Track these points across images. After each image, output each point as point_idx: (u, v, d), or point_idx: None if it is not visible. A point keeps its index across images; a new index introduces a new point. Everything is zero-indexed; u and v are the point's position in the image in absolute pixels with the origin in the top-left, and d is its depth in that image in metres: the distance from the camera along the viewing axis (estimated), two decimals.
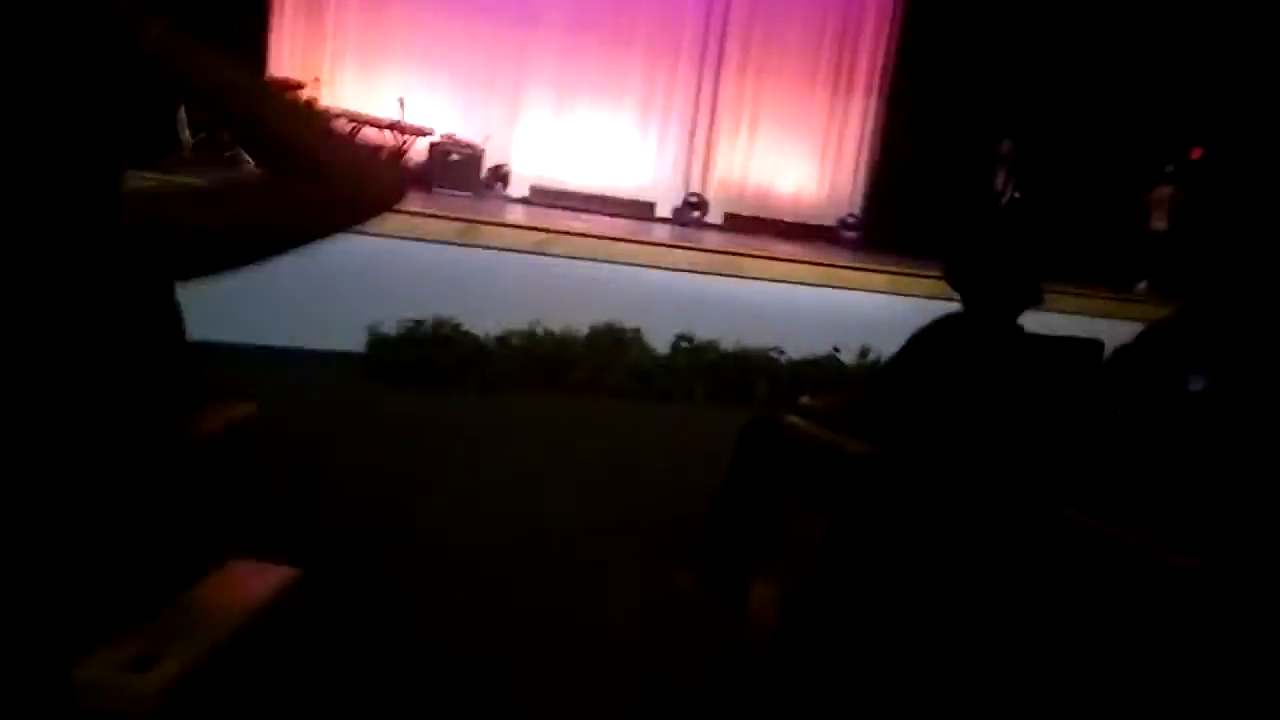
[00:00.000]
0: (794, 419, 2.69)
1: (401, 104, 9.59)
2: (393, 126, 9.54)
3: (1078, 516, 2.07)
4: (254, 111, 0.93)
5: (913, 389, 2.31)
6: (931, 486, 2.24)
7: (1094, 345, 2.42)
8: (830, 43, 11.92)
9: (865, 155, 12.11)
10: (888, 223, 10.79)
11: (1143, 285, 9.97)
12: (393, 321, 5.43)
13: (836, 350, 6.35)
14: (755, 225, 11.05)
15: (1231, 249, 8.66)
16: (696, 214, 11.00)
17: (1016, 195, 10.41)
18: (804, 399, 2.87)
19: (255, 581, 1.91)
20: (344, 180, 0.93)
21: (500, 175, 10.42)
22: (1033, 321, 2.46)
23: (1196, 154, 10.61)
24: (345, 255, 5.47)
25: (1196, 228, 9.64)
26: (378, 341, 5.47)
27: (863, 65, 12.05)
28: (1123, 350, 2.31)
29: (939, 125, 10.77)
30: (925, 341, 2.40)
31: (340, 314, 5.28)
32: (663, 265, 6.51)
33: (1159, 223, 10.31)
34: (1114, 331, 2.63)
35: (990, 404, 2.20)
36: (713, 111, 11.52)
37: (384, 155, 0.89)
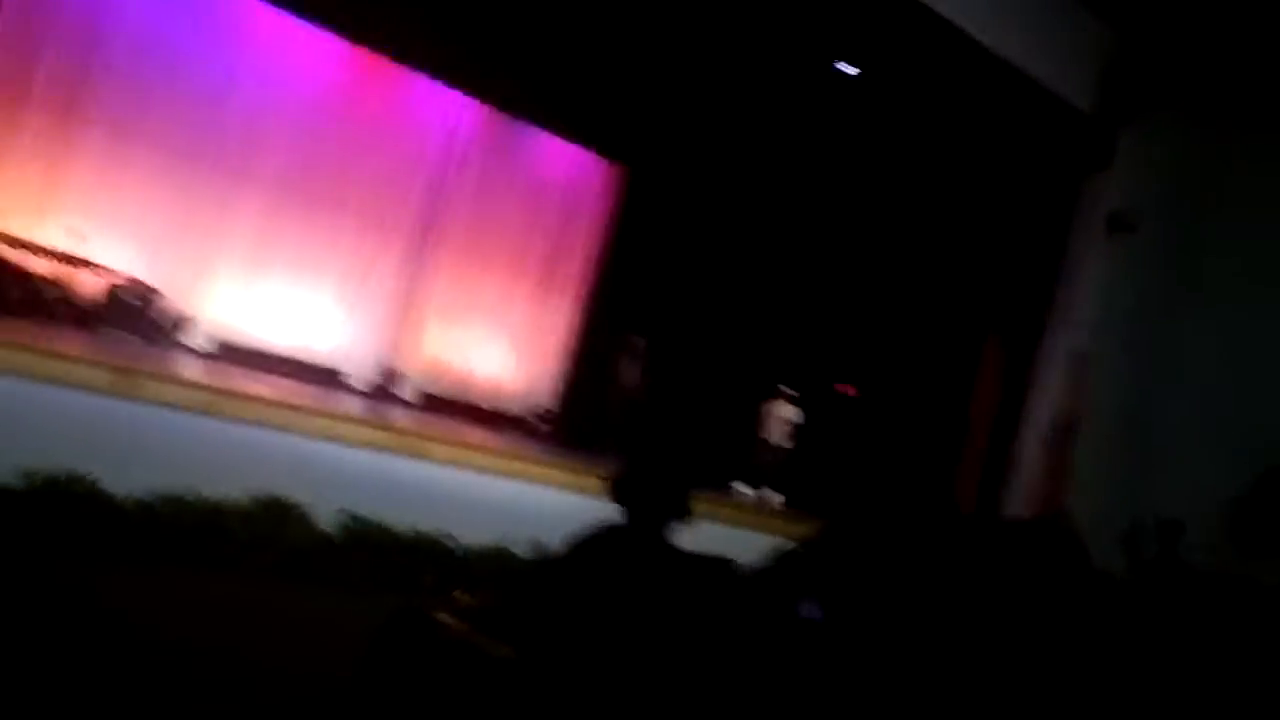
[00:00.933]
0: (443, 614, 2.60)
1: (78, 235, 8.86)
2: (66, 259, 8.77)
3: None
4: None
5: (560, 595, 2.33)
6: (566, 693, 2.22)
7: (726, 563, 2.58)
8: (544, 242, 12.50)
9: (562, 352, 12.56)
10: (578, 419, 11.18)
11: (750, 492, 10.57)
12: (19, 473, 4.78)
13: (510, 543, 6.31)
14: (452, 408, 11.03)
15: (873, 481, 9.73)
16: (393, 390, 10.82)
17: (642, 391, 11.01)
18: (458, 593, 2.79)
19: None
20: None
21: (180, 324, 9.74)
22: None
23: (851, 391, 11.97)
24: None
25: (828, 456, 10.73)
26: None
27: (572, 271, 12.66)
28: (753, 572, 2.47)
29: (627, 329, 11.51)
30: (580, 548, 2.45)
31: None
32: (343, 439, 6.27)
33: (778, 438, 11.01)
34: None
35: (627, 617, 2.25)
36: (417, 292, 11.57)
37: None
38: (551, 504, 6.80)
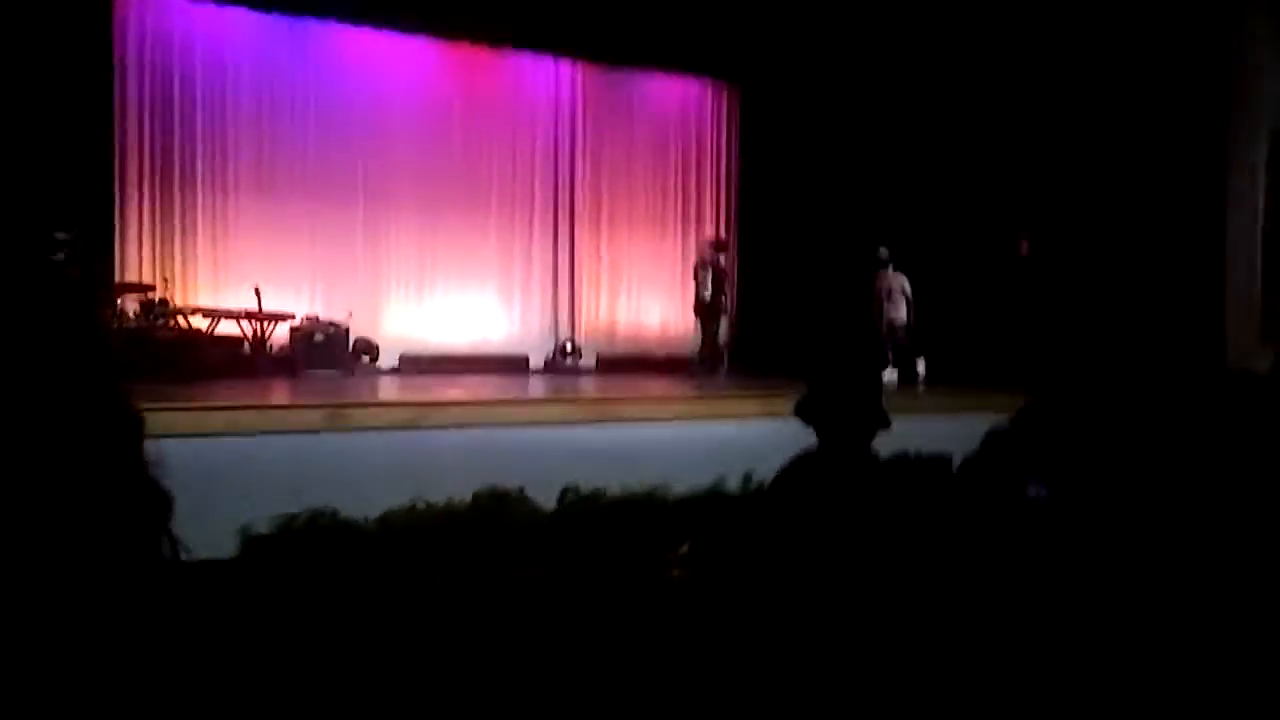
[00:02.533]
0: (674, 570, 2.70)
1: (258, 293, 9.52)
2: (251, 316, 9.45)
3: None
4: None
5: (775, 530, 2.35)
6: (802, 628, 2.26)
7: (942, 462, 2.52)
8: (675, 182, 12.51)
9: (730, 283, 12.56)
10: (755, 345, 11.17)
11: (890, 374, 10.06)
12: (265, 521, 5.24)
13: (720, 480, 6.40)
14: (628, 364, 11.25)
15: (1068, 344, 9.17)
16: (569, 361, 11.14)
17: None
18: (683, 549, 2.88)
19: None
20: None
21: (368, 349, 10.36)
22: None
23: (1024, 249, 11.36)
24: (206, 459, 5.32)
25: (1030, 322, 10.11)
26: (252, 543, 5.25)
27: (709, 200, 12.67)
28: (967, 463, 2.42)
29: (787, 249, 11.33)
30: (784, 480, 2.46)
31: (205, 521, 5.06)
32: (540, 421, 6.52)
33: (895, 312, 10.44)
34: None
35: (854, 539, 2.26)
36: (572, 261, 11.83)
37: None
38: (753, 436, 6.85)
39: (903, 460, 2.52)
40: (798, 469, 2.47)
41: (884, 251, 10.60)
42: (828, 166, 11.50)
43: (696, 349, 10.64)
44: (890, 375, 10.02)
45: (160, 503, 1.05)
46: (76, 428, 0.99)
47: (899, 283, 10.42)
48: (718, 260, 10.58)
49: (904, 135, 11.11)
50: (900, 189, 11.16)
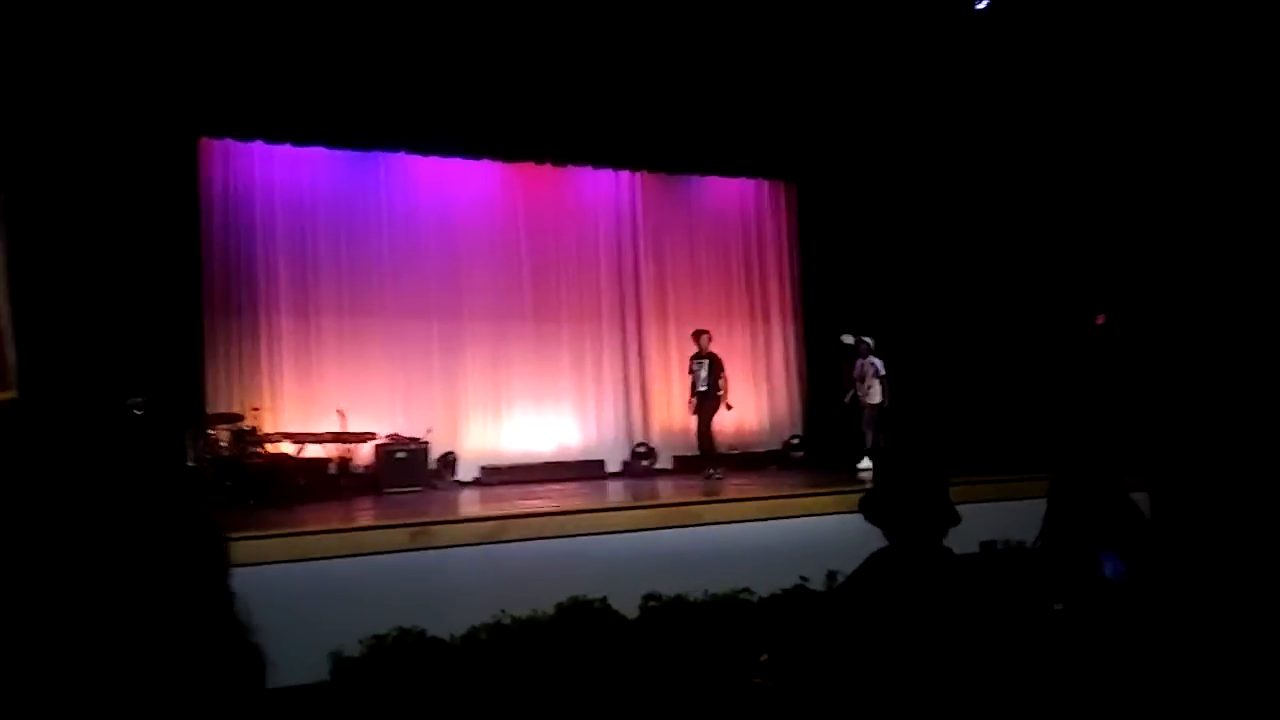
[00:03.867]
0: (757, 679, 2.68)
1: (341, 415, 9.82)
2: (335, 438, 9.73)
3: None
4: None
5: (860, 644, 2.34)
6: None
7: (1018, 549, 2.50)
8: (738, 277, 12.68)
9: (795, 376, 12.61)
10: (829, 441, 11.11)
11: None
12: (355, 643, 5.33)
13: (804, 580, 6.33)
14: (704, 463, 11.23)
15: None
16: (646, 463, 11.18)
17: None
18: (764, 658, 2.86)
19: None
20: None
21: (449, 463, 10.57)
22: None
23: (1100, 320, 11.18)
24: (297, 584, 5.45)
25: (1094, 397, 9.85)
26: (343, 665, 5.34)
27: (774, 293, 12.80)
28: (1040, 548, 2.39)
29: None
30: (861, 587, 2.46)
31: (297, 646, 5.17)
32: (619, 528, 6.55)
33: (869, 397, 10.24)
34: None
35: (934, 641, 2.24)
36: (641, 363, 11.97)
37: None
38: (831, 530, 6.77)
39: (982, 552, 2.49)
40: (872, 570, 2.47)
41: (848, 338, 10.66)
42: (887, 256, 11.56)
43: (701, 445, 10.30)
44: (867, 464, 9.83)
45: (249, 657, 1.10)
46: (165, 563, 1.02)
47: (873, 367, 10.28)
48: (707, 350, 10.32)
49: (954, 223, 11.16)
50: (952, 278, 11.16)
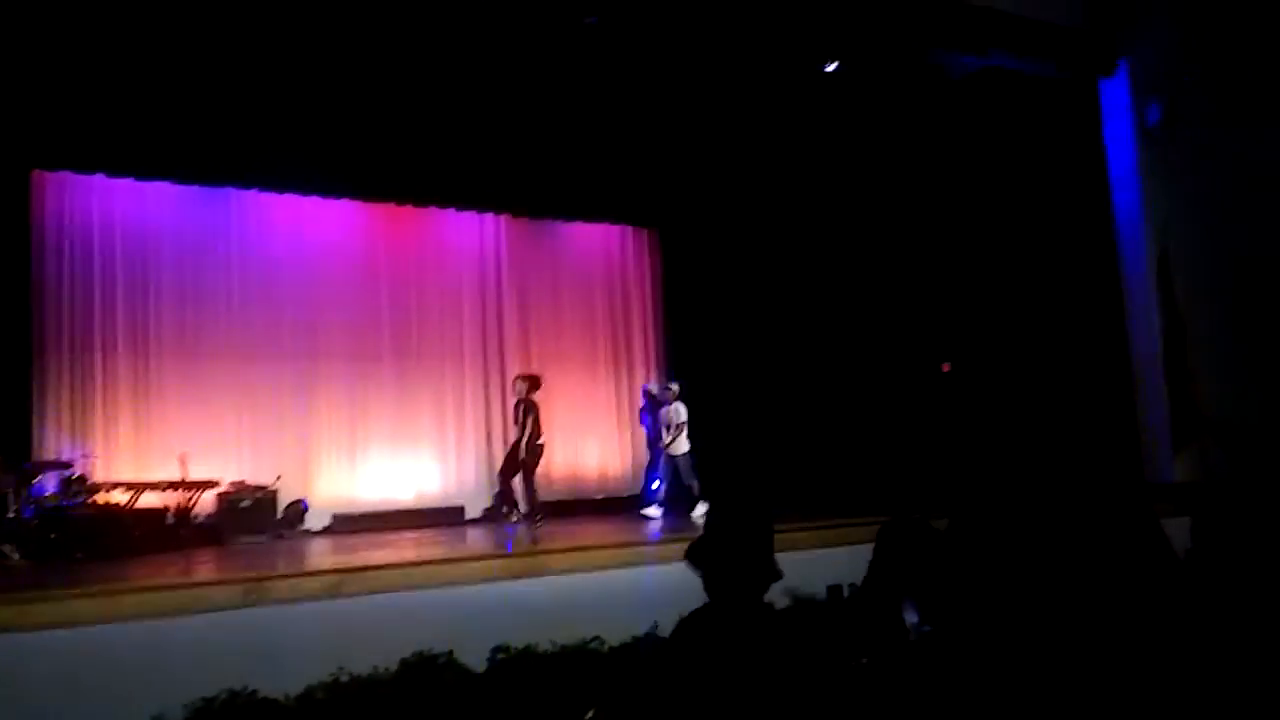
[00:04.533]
0: None
1: (182, 461, 9.35)
2: (175, 485, 9.25)
3: None
4: None
5: (680, 702, 2.34)
6: None
7: (833, 598, 2.56)
8: (603, 322, 12.75)
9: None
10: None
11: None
12: (178, 708, 5.03)
13: (655, 626, 6.32)
14: (569, 508, 11.17)
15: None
16: (505, 509, 11.02)
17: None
18: (589, 716, 2.84)
19: None
20: None
21: (298, 512, 10.16)
22: None
23: (945, 368, 11.70)
24: (116, 647, 5.12)
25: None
26: None
27: (637, 337, 12.91)
28: (853, 596, 2.46)
29: (711, 389, 11.55)
30: (682, 644, 2.47)
31: (113, 713, 4.84)
32: (467, 579, 6.41)
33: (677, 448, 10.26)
34: None
35: (749, 698, 2.26)
36: (503, 407, 11.84)
37: None
38: (687, 575, 6.79)
39: (797, 605, 2.53)
40: (691, 627, 2.48)
41: (651, 386, 11.11)
42: (745, 302, 11.85)
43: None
44: (701, 510, 9.92)
45: None
46: None
47: (677, 415, 10.33)
48: (526, 394, 10.26)
49: (810, 270, 11.55)
50: (805, 324, 11.54)
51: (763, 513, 2.65)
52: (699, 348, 12.14)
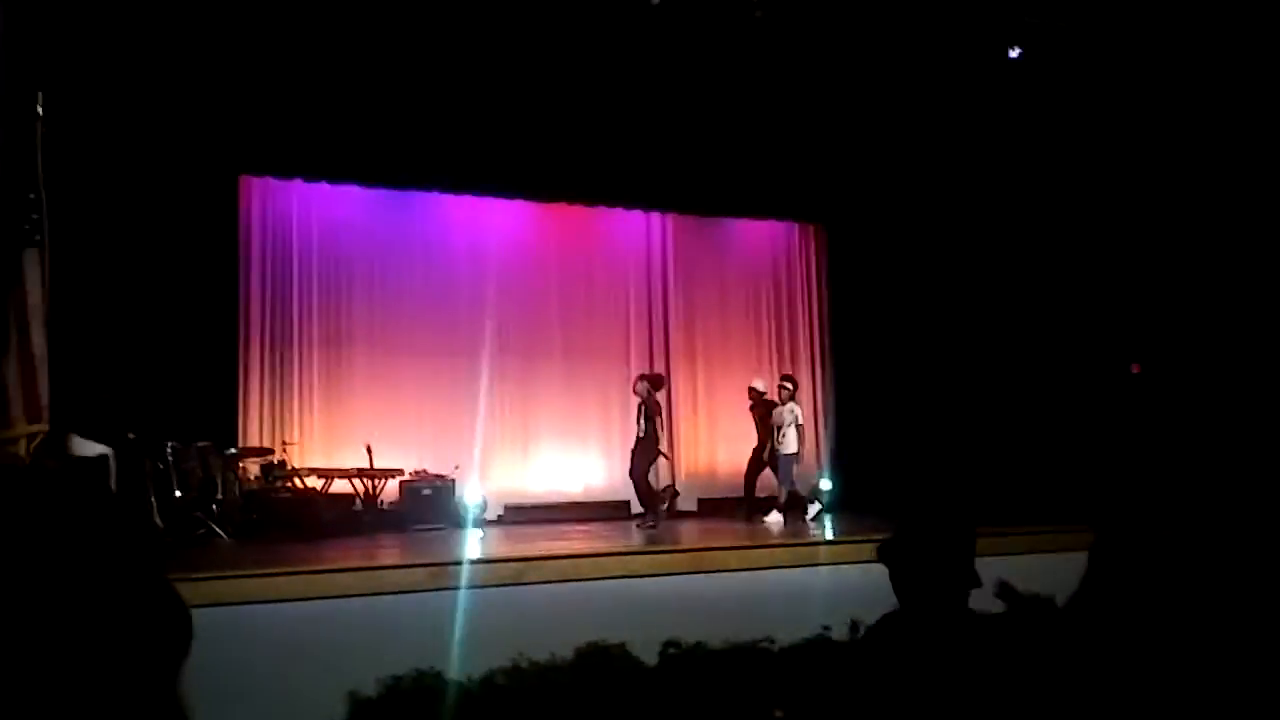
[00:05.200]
0: None
1: (369, 450, 9.87)
2: (361, 474, 9.77)
3: None
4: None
5: (876, 709, 2.29)
6: None
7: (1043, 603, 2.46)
8: (767, 319, 12.65)
9: (824, 423, 12.51)
10: (859, 485, 10.99)
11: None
12: (371, 683, 5.30)
13: (826, 629, 6.23)
14: (730, 506, 11.17)
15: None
16: (667, 506, 11.10)
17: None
18: (779, 715, 2.82)
19: None
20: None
21: (474, 501, 10.54)
22: None
23: (1136, 369, 11.01)
24: (315, 622, 5.46)
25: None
26: (360, 706, 5.31)
27: (802, 336, 12.75)
28: (1077, 608, 2.35)
29: (884, 387, 11.26)
30: (878, 650, 2.42)
31: (313, 685, 5.16)
32: (641, 573, 6.51)
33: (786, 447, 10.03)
34: None
35: (952, 709, 2.19)
36: (670, 405, 11.93)
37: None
38: (856, 581, 6.68)
39: (1005, 612, 2.44)
40: (889, 631, 2.43)
41: (759, 384, 10.64)
42: (917, 300, 11.48)
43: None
44: (776, 517, 9.69)
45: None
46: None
47: (792, 415, 10.09)
48: (648, 395, 9.95)
49: (986, 267, 11.06)
50: (983, 324, 11.03)
51: (965, 515, 2.57)
52: (871, 346, 11.82)
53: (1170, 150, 9.68)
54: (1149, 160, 9.84)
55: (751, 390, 10.83)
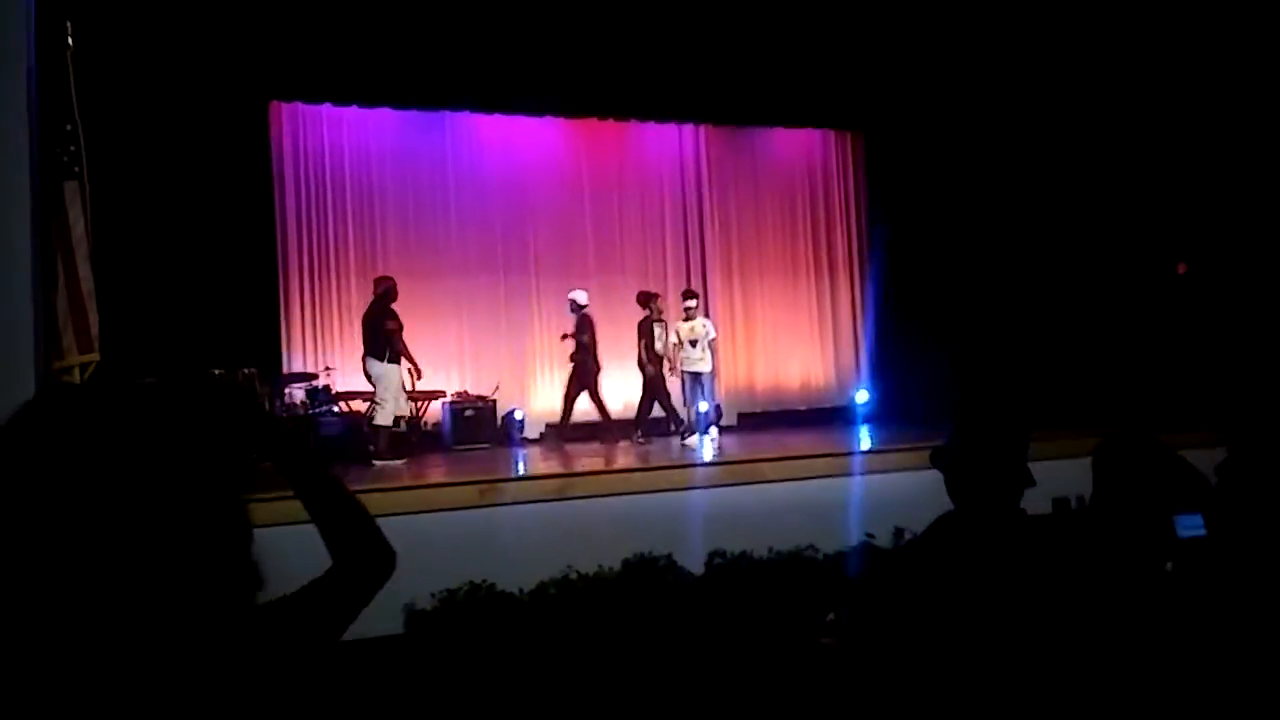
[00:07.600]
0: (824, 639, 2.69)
1: (412, 373, 9.97)
2: (406, 395, 9.88)
3: None
4: (340, 516, 1.36)
5: (930, 609, 2.31)
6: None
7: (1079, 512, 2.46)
8: (804, 230, 12.51)
9: (863, 331, 12.45)
10: (900, 393, 10.96)
11: None
12: (427, 596, 5.47)
13: (871, 537, 6.30)
14: (769, 420, 11.22)
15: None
16: (672, 426, 11.14)
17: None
18: (830, 617, 2.86)
19: None
20: (382, 568, 1.40)
21: (516, 421, 10.68)
22: None
23: (1182, 269, 10.78)
24: None
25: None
26: (416, 617, 5.48)
27: (839, 246, 12.61)
28: (1094, 510, 2.36)
29: (921, 295, 11.13)
30: (932, 550, 2.44)
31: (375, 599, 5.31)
32: (683, 485, 6.58)
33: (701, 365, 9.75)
34: None
35: (1006, 607, 2.21)
36: (710, 316, 11.90)
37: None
38: (897, 487, 6.72)
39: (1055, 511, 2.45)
40: (942, 532, 2.44)
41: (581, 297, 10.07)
42: (957, 208, 11.24)
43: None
44: (695, 439, 9.42)
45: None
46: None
47: (704, 330, 9.82)
48: (650, 313, 9.83)
49: (1027, 172, 10.76)
50: (1026, 228, 10.78)
51: (1019, 417, 2.56)
52: (911, 255, 11.62)
53: (1219, 50, 9.32)
54: (1196, 65, 9.48)
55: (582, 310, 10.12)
